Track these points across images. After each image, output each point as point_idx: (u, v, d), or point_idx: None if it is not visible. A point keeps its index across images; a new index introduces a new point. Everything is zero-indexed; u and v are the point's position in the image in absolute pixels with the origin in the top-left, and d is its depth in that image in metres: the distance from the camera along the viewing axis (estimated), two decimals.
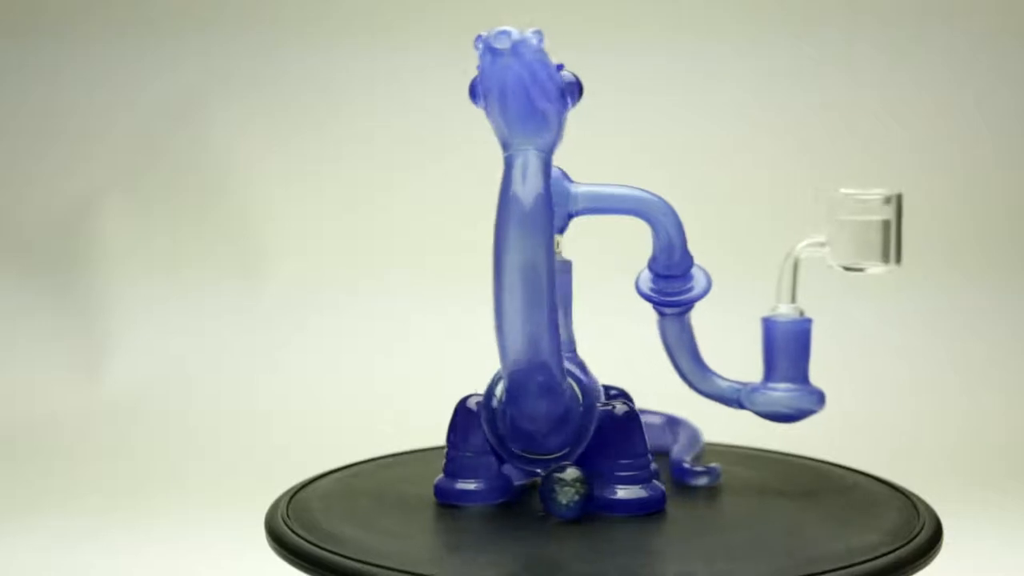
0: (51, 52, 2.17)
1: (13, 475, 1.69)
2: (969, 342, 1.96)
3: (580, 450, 0.75)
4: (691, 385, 0.84)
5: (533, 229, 0.69)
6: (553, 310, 0.70)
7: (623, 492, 0.76)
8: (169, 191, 2.14)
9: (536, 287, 0.70)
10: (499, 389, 0.75)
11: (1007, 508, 1.55)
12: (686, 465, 0.85)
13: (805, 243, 0.82)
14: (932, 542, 0.72)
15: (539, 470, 0.75)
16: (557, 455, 0.75)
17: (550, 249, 0.70)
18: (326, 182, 2.13)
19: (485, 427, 0.76)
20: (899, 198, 0.80)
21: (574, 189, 0.78)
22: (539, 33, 0.69)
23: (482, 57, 0.69)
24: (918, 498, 0.81)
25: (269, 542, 0.75)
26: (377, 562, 0.67)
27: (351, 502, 0.81)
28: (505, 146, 0.71)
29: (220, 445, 1.79)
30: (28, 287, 2.10)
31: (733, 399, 0.84)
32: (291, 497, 0.81)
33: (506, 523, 0.76)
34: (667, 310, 0.82)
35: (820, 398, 0.83)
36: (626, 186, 0.78)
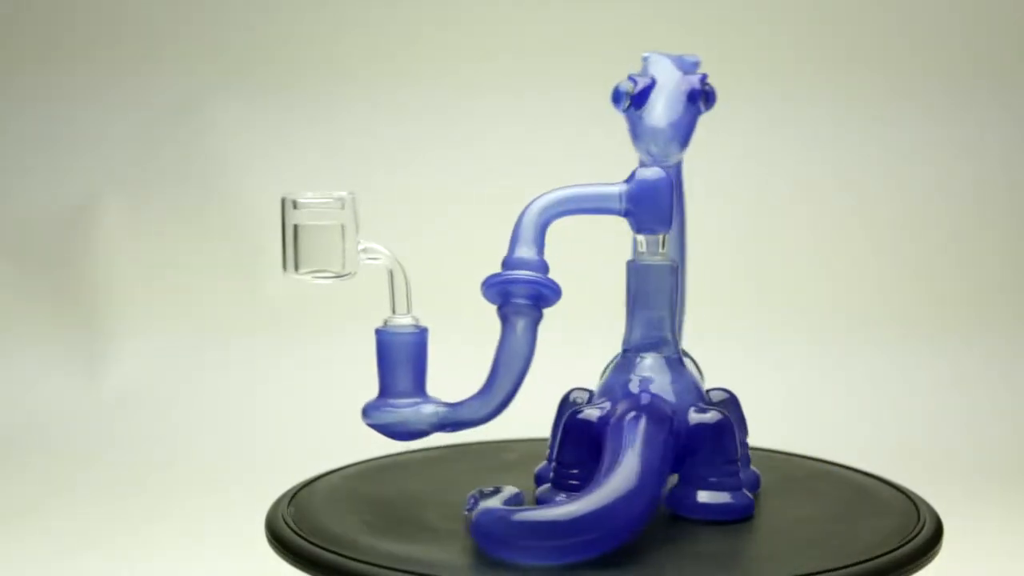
0: (51, 51, 2.17)
1: (13, 475, 1.69)
2: (970, 342, 1.96)
3: None
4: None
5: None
6: None
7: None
8: (169, 191, 2.14)
9: None
10: None
11: (1007, 508, 1.55)
12: None
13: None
14: (932, 542, 0.72)
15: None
16: None
17: None
18: (326, 183, 2.13)
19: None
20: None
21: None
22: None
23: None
24: (918, 498, 0.81)
25: (269, 542, 0.75)
26: (377, 562, 0.67)
27: (351, 502, 0.81)
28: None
29: (220, 445, 1.79)
30: (28, 287, 2.10)
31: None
32: (291, 497, 0.82)
33: None
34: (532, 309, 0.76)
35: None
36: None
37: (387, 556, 0.68)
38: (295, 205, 0.78)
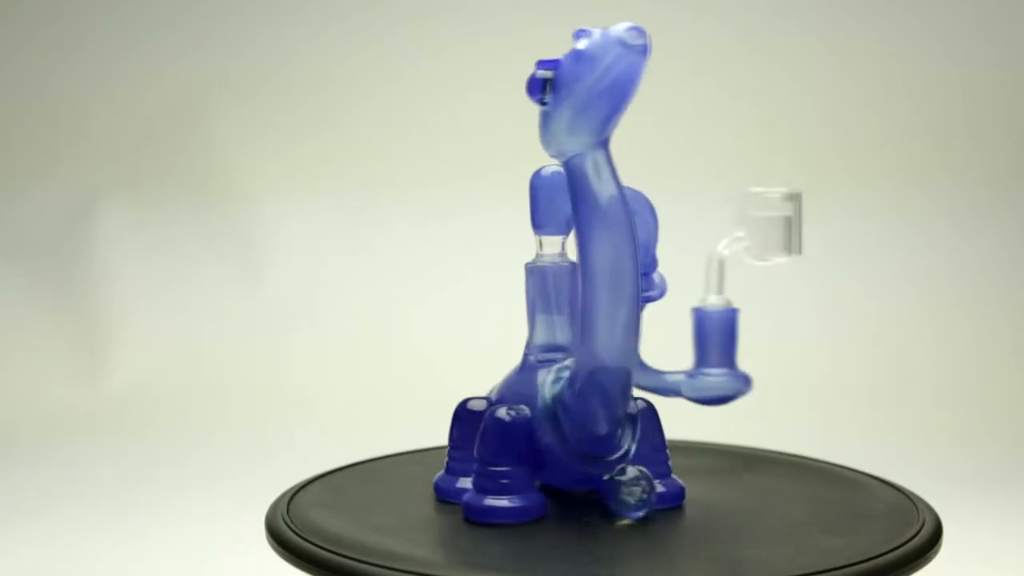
0: (52, 51, 2.17)
1: (13, 474, 1.69)
2: (970, 343, 1.96)
3: (635, 449, 0.75)
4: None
5: (617, 227, 0.70)
6: (639, 310, 0.71)
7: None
8: (169, 191, 2.14)
9: (623, 288, 0.70)
10: (556, 389, 0.74)
11: (1007, 508, 1.54)
12: None
13: (727, 239, 0.83)
14: (932, 542, 0.72)
15: (603, 474, 0.74)
16: (617, 456, 0.75)
17: (634, 246, 0.70)
18: (326, 182, 2.13)
19: (546, 431, 0.74)
20: (799, 196, 0.82)
21: None
22: None
23: (600, 51, 0.67)
24: (918, 498, 0.81)
25: (269, 542, 0.75)
26: (377, 562, 0.67)
27: (351, 502, 0.81)
28: (560, 148, 0.69)
29: (220, 445, 1.79)
30: (28, 287, 2.10)
31: (672, 389, 0.84)
32: (291, 497, 0.81)
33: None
34: None
35: (748, 380, 0.83)
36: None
37: (387, 555, 0.68)
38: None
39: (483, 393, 0.81)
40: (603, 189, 0.69)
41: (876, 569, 0.67)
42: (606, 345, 0.70)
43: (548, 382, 0.75)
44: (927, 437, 1.77)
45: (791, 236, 0.82)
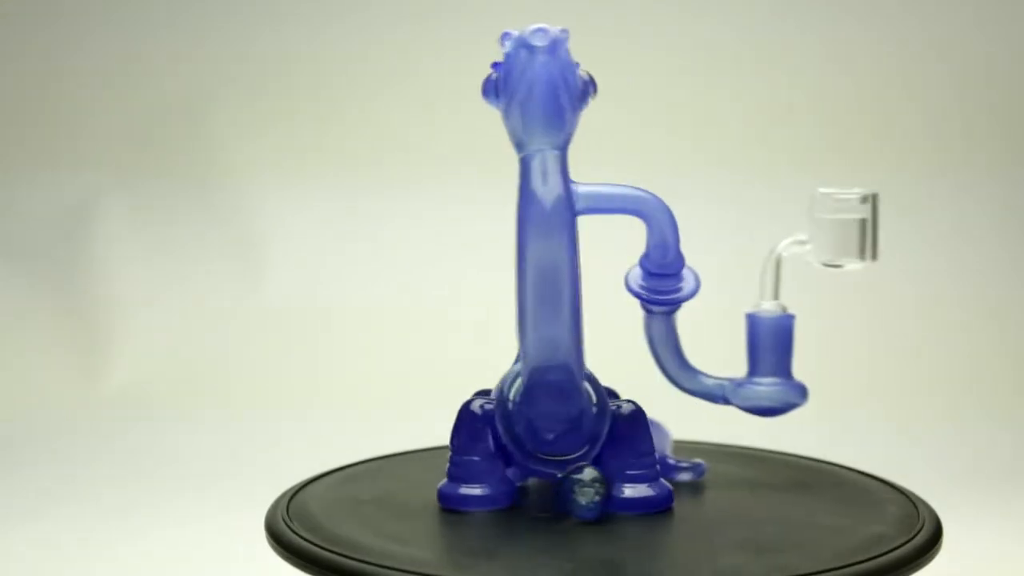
0: (52, 51, 2.17)
1: (13, 474, 1.69)
2: (968, 342, 1.96)
3: (596, 451, 0.76)
4: (675, 383, 0.84)
5: (554, 229, 0.70)
6: (576, 311, 0.71)
7: (630, 491, 0.76)
8: (169, 190, 2.14)
9: (557, 288, 0.70)
10: (513, 389, 0.75)
11: (1007, 508, 1.54)
12: (670, 461, 0.85)
13: (787, 241, 0.82)
14: (932, 542, 0.72)
15: (557, 473, 0.75)
16: (574, 456, 0.75)
17: (572, 249, 0.71)
18: (327, 182, 2.13)
19: (500, 428, 0.76)
20: (875, 197, 0.80)
21: (574, 189, 0.77)
22: (567, 31, 0.70)
23: (514, 54, 0.70)
24: (918, 498, 0.81)
25: (269, 542, 0.75)
26: (377, 562, 0.67)
27: (352, 502, 0.81)
28: (520, 146, 0.72)
29: (220, 445, 1.79)
30: (28, 287, 2.10)
31: (719, 395, 0.84)
32: (291, 497, 0.82)
33: (507, 521, 0.76)
34: (655, 308, 0.82)
35: (803, 392, 0.83)
36: (624, 185, 0.78)
37: (387, 556, 0.68)
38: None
39: (479, 387, 0.82)
40: (545, 192, 0.71)
41: (876, 569, 0.67)
42: (540, 345, 0.71)
43: (508, 381, 0.76)
44: (927, 437, 1.77)
45: (865, 240, 0.79)
